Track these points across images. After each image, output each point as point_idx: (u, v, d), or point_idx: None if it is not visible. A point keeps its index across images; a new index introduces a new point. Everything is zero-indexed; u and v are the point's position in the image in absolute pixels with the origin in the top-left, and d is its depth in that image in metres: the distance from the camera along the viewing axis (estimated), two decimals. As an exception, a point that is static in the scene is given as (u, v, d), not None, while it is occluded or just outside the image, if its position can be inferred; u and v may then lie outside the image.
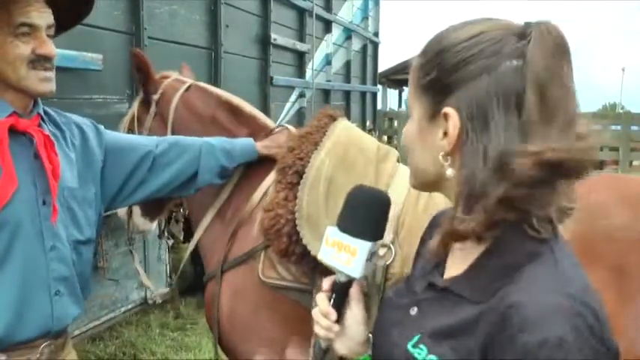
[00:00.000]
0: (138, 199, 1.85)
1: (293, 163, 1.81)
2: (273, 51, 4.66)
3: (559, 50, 0.85)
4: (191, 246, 2.20)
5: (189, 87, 2.33)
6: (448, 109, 0.88)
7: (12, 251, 1.42)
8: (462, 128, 0.88)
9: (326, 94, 6.10)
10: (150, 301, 3.86)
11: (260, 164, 2.05)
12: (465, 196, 0.86)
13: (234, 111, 2.24)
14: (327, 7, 6.14)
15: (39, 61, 1.44)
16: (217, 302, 1.94)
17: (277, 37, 4.69)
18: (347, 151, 1.84)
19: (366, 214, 1.04)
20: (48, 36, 1.48)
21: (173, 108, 2.26)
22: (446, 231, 0.88)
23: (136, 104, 2.36)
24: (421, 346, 0.90)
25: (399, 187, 1.80)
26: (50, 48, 1.46)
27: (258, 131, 2.17)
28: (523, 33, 0.87)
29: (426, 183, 0.99)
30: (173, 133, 2.23)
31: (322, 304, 1.06)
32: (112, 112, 2.84)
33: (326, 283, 1.07)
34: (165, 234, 2.89)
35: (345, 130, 1.92)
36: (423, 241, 1.13)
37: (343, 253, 1.02)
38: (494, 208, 0.83)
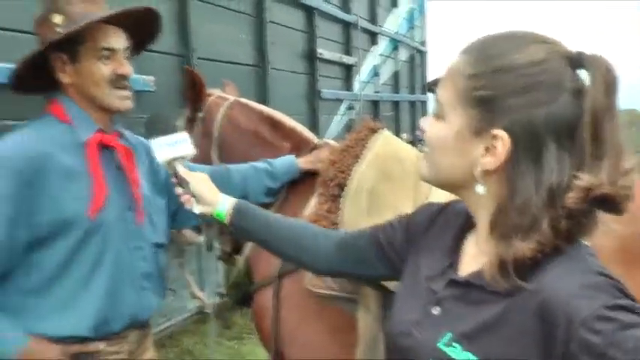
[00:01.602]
0: (192, 224, 2.05)
1: (335, 175, 1.85)
2: (320, 65, 4.72)
3: (613, 88, 0.87)
4: (242, 259, 2.26)
5: (232, 103, 2.39)
6: (500, 132, 0.88)
7: (105, 251, 1.59)
8: (511, 152, 0.88)
9: (375, 105, 6.11)
10: (206, 311, 3.93)
11: (306, 178, 2.10)
12: (518, 224, 0.88)
13: (276, 125, 2.29)
14: (373, 19, 6.17)
15: (118, 80, 1.63)
16: (275, 311, 1.97)
17: (323, 51, 4.75)
18: (387, 163, 1.86)
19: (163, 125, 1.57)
20: (125, 58, 1.66)
21: (217, 124, 2.32)
22: (502, 259, 0.89)
23: (182, 122, 2.44)
24: (454, 344, 0.91)
25: (440, 196, 1.80)
26: (127, 68, 1.65)
27: (300, 144, 2.21)
28: (578, 63, 0.89)
29: (444, 183, 1.02)
30: (218, 150, 2.30)
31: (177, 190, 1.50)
32: (159, 112, 2.94)
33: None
34: (214, 246, 2.95)
35: (385, 142, 1.94)
36: (419, 234, 1.15)
37: (172, 147, 1.55)
38: (547, 237, 0.86)
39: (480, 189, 0.93)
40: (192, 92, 2.37)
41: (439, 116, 0.97)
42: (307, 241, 1.38)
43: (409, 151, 2.01)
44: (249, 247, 2.22)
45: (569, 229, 0.86)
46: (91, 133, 1.62)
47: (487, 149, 0.90)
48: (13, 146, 1.51)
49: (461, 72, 0.94)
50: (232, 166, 2.10)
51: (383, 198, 1.77)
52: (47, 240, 1.51)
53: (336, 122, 5.18)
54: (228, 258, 2.70)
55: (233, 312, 4.60)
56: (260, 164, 2.11)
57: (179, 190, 1.55)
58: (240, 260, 2.36)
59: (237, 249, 2.70)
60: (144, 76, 2.71)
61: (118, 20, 1.65)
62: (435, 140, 0.98)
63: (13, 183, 1.45)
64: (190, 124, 2.40)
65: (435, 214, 1.16)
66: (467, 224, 1.06)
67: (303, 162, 2.11)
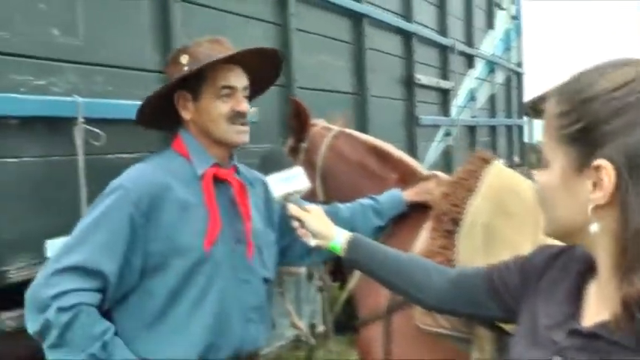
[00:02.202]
0: (301, 264, 2.11)
1: (448, 209, 1.78)
2: (418, 91, 4.65)
3: None
4: (346, 291, 2.22)
5: (336, 134, 2.37)
6: (602, 162, 0.85)
7: (214, 281, 1.62)
8: (617, 182, 0.84)
9: (471, 130, 5.96)
10: (303, 339, 3.93)
11: (412, 212, 2.04)
12: (637, 255, 0.83)
13: (382, 156, 2.25)
14: (469, 41, 6.05)
15: (236, 117, 1.69)
16: (385, 346, 1.92)
17: (421, 76, 4.68)
18: (502, 196, 1.77)
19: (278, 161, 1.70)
20: (244, 97, 1.73)
21: (322, 155, 2.31)
22: (627, 301, 0.82)
23: (285, 151, 2.44)
24: None
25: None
26: (245, 105, 1.71)
27: (407, 175, 2.15)
28: None
29: (566, 233, 0.97)
30: (322, 181, 2.29)
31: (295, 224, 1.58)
32: (276, 148, 2.96)
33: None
34: (315, 276, 2.94)
35: (499, 174, 1.86)
36: (536, 278, 1.09)
37: (287, 182, 1.61)
38: None
39: (594, 227, 0.88)
40: (297, 122, 2.38)
41: (544, 165, 0.96)
42: (419, 275, 1.38)
43: (524, 183, 1.90)
44: (354, 279, 2.18)
45: None
46: (207, 166, 1.69)
47: (594, 184, 0.87)
48: (134, 178, 1.59)
49: (553, 114, 0.93)
50: (341, 205, 2.10)
51: (499, 234, 1.69)
52: (160, 268, 1.57)
53: (434, 149, 5.07)
54: (328, 289, 2.69)
55: (328, 340, 4.56)
56: (366, 201, 2.09)
57: (295, 223, 1.60)
58: (345, 292, 2.33)
59: (337, 281, 2.67)
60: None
61: (240, 59, 1.71)
62: (545, 189, 0.96)
63: (131, 212, 1.52)
64: (293, 154, 2.40)
65: (554, 257, 1.11)
66: (588, 270, 1.01)
67: (410, 194, 2.06)
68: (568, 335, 0.94)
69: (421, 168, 2.22)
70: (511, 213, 1.74)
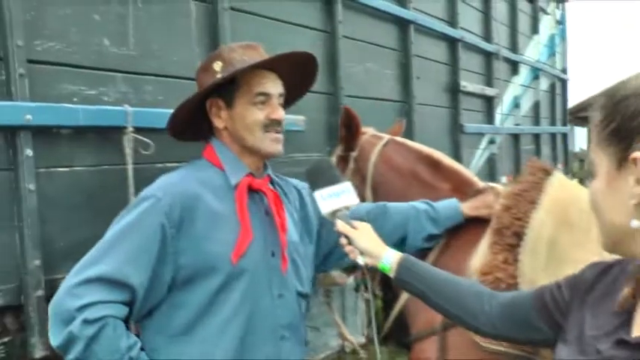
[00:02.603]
0: (347, 263, 1.91)
1: (511, 223, 1.70)
2: (463, 98, 4.57)
3: None
4: (398, 305, 2.15)
5: (387, 142, 2.32)
6: (637, 154, 0.88)
7: (246, 297, 1.55)
8: None
9: (515, 138, 5.83)
10: (347, 349, 3.89)
11: (469, 224, 1.96)
12: None
13: (434, 165, 2.18)
14: (513, 47, 5.92)
15: (271, 125, 1.63)
16: None
17: (466, 83, 4.59)
18: (567, 210, 1.69)
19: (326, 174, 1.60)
20: (279, 104, 1.66)
21: (372, 164, 2.26)
22: None
23: (333, 160, 2.40)
24: None
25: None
26: (280, 113, 1.65)
27: (461, 186, 2.08)
28: None
29: (616, 240, 0.97)
30: (373, 190, 2.23)
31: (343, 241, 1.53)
32: (324, 159, 2.93)
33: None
34: (362, 288, 2.88)
35: (562, 186, 1.78)
36: (585, 291, 1.09)
37: (336, 198, 1.55)
38: None
39: (635, 223, 0.90)
40: (347, 130, 2.34)
41: (594, 174, 0.99)
42: (472, 301, 1.35)
43: (587, 196, 1.82)
44: (406, 294, 2.11)
45: None
46: (241, 176, 1.63)
47: (637, 180, 0.89)
48: (164, 187, 1.54)
49: (594, 123, 0.97)
50: (391, 205, 2.00)
51: (563, 250, 1.61)
52: (190, 281, 1.51)
53: (478, 157, 4.97)
54: (376, 301, 2.62)
55: (374, 352, 4.51)
56: (421, 205, 1.99)
57: (343, 241, 1.54)
58: (397, 306, 2.26)
59: (387, 293, 2.61)
60: (294, 116, 2.69)
61: (274, 65, 1.65)
62: (595, 199, 0.99)
63: (162, 222, 1.47)
64: (342, 164, 2.36)
65: (604, 270, 1.11)
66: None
67: (468, 208, 1.97)
68: (614, 345, 0.93)
69: (476, 179, 2.14)
70: (575, 227, 1.66)
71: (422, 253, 2.02)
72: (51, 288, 1.73)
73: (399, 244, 1.91)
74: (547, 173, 1.82)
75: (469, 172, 2.19)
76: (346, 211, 1.58)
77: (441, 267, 1.97)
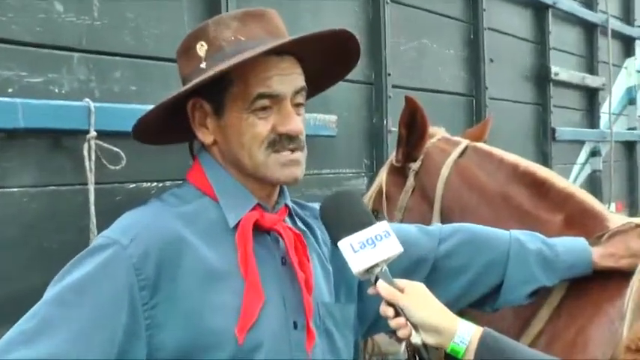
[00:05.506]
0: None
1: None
2: (554, 90, 4.59)
3: None
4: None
5: (465, 150, 2.31)
6: None
7: None
8: None
9: (629, 147, 5.84)
10: None
11: (596, 278, 1.91)
12: None
13: (539, 186, 2.16)
14: (627, 18, 5.93)
15: (281, 141, 1.52)
16: None
17: (559, 69, 4.60)
18: None
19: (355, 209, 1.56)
20: (296, 105, 1.56)
21: (443, 181, 2.26)
22: None
23: (383, 174, 2.40)
24: None
25: None
26: (295, 123, 1.54)
27: (581, 219, 2.05)
28: None
29: None
30: (442, 218, 2.22)
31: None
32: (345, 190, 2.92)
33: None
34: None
35: None
36: None
37: (370, 248, 1.48)
38: None
39: None
40: (410, 131, 2.32)
41: None
42: None
43: None
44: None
45: None
46: (244, 211, 1.56)
47: None
48: (131, 228, 1.48)
49: None
50: (476, 229, 1.94)
51: None
52: None
53: (575, 174, 4.98)
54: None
55: None
56: (528, 238, 1.92)
57: (389, 311, 1.50)
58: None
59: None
60: (323, 115, 2.69)
61: (289, 49, 1.56)
62: None
63: (128, 282, 1.41)
64: (397, 179, 2.35)
65: None
66: None
67: (600, 255, 1.90)
68: None
69: (605, 209, 2.11)
70: None
71: (517, 312, 2.00)
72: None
73: (490, 295, 1.88)
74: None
75: (592, 198, 2.14)
76: (386, 267, 1.52)
77: (553, 341, 1.96)
